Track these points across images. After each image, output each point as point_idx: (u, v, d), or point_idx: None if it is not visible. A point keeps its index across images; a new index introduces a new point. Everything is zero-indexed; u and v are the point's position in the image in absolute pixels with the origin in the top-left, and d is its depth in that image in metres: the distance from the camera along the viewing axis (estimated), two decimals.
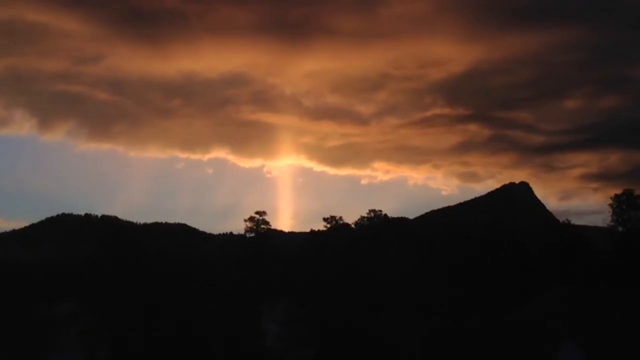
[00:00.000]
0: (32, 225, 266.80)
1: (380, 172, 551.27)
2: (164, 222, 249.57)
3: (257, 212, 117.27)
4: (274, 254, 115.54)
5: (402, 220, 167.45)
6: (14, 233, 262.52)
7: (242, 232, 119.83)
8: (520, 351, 67.34)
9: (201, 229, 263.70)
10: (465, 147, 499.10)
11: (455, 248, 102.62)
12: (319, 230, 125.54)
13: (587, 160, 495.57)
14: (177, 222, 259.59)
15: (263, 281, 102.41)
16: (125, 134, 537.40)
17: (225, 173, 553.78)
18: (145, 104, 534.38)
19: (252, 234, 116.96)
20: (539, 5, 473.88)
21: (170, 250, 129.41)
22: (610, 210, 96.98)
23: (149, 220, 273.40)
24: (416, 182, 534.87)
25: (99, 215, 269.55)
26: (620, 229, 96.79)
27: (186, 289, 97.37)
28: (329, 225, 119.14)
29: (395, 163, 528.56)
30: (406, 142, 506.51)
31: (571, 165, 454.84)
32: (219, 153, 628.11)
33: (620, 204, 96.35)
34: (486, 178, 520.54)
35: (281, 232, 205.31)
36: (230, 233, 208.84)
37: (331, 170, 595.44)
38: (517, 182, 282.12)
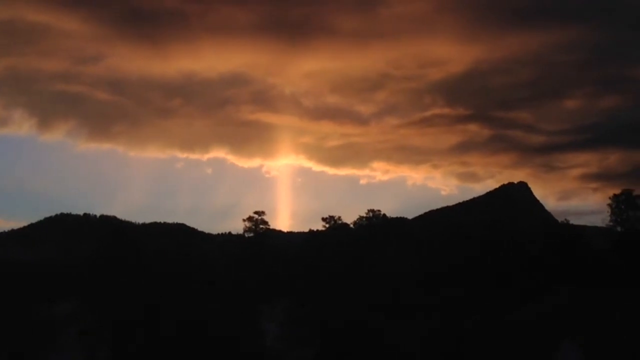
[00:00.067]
0: (31, 225, 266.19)
1: (380, 172, 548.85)
2: (163, 222, 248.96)
3: (256, 212, 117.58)
4: (273, 253, 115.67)
5: (401, 220, 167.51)
6: (13, 233, 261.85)
7: (241, 232, 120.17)
8: (520, 351, 67.41)
9: (200, 228, 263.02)
10: (464, 147, 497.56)
11: (454, 248, 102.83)
12: (318, 230, 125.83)
13: (587, 160, 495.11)
14: (176, 222, 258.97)
15: (262, 281, 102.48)
16: (125, 134, 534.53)
17: (224, 173, 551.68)
18: (145, 104, 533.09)
19: (251, 234, 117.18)
20: (539, 5, 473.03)
21: (169, 250, 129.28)
22: (609, 210, 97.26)
23: (148, 220, 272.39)
24: (415, 182, 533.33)
25: (98, 215, 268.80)
26: (619, 229, 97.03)
27: (186, 288, 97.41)
28: (328, 225, 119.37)
29: (395, 163, 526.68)
30: (406, 142, 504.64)
31: (571, 165, 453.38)
32: (219, 153, 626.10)
33: (619, 204, 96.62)
34: (485, 178, 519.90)
35: (280, 232, 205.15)
36: (229, 233, 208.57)
37: (330, 170, 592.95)
38: (516, 182, 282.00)
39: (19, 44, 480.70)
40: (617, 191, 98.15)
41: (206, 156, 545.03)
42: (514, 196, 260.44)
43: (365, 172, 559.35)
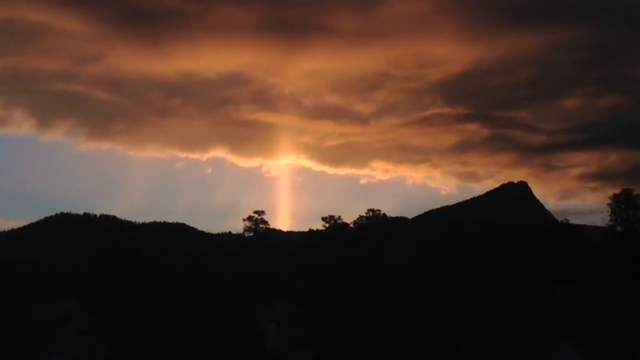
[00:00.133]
0: (31, 225, 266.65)
1: (379, 172, 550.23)
2: (163, 221, 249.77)
3: (255, 212, 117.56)
4: (273, 253, 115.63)
5: (401, 220, 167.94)
6: (12, 232, 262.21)
7: (241, 231, 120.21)
8: (520, 351, 67.41)
9: (200, 228, 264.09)
10: (464, 147, 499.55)
11: (454, 248, 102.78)
12: (317, 230, 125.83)
13: (587, 160, 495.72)
14: (176, 221, 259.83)
15: (262, 281, 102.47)
16: (125, 133, 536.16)
17: (224, 172, 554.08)
18: (145, 104, 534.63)
19: (251, 234, 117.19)
20: (539, 5, 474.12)
21: (169, 249, 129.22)
22: (609, 210, 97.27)
23: (148, 220, 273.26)
24: (415, 181, 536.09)
25: (98, 214, 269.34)
26: (619, 228, 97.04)
27: (185, 288, 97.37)
28: (327, 225, 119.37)
29: (394, 163, 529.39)
30: (405, 141, 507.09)
31: (570, 165, 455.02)
32: (218, 153, 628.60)
33: (619, 203, 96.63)
34: (485, 178, 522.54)
35: (280, 231, 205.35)
36: (229, 232, 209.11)
37: (330, 170, 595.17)
38: (516, 181, 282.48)
39: (19, 43, 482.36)
40: (617, 191, 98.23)
41: (206, 156, 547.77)
42: (514, 196, 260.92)
43: (365, 171, 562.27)
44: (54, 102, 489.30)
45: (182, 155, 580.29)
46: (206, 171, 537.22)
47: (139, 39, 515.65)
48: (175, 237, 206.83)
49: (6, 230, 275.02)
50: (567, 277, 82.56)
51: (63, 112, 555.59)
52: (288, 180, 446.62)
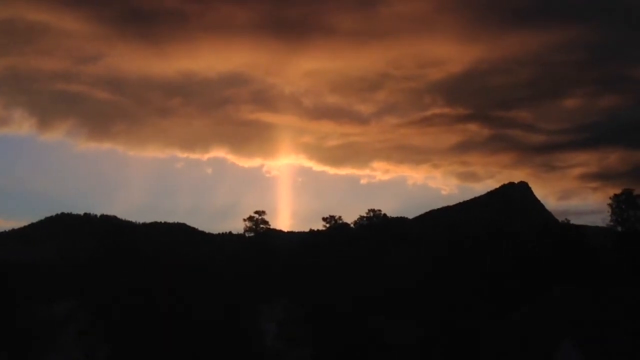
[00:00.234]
0: (32, 225, 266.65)
1: (380, 172, 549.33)
2: (163, 221, 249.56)
3: (256, 212, 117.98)
4: (273, 253, 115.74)
5: (401, 220, 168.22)
6: (13, 232, 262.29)
7: (241, 231, 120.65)
8: (520, 351, 67.36)
9: (200, 228, 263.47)
10: (464, 147, 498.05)
11: (454, 248, 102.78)
12: (318, 230, 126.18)
13: (587, 160, 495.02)
14: (176, 221, 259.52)
15: (262, 281, 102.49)
16: (125, 133, 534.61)
17: (224, 173, 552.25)
18: (145, 104, 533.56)
19: (252, 234, 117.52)
20: (539, 5, 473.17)
21: (169, 249, 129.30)
22: (610, 210, 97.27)
23: (149, 220, 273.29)
24: (415, 181, 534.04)
25: (99, 214, 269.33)
26: (619, 228, 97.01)
27: (185, 288, 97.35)
28: (328, 225, 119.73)
29: (395, 163, 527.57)
30: (405, 141, 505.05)
31: (571, 165, 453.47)
32: (219, 153, 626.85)
33: (619, 203, 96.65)
34: (485, 178, 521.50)
35: (280, 231, 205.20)
36: (230, 233, 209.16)
37: (330, 170, 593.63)
38: (516, 181, 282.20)
39: (18, 43, 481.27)
40: (618, 191, 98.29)
41: (206, 156, 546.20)
42: (514, 196, 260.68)
43: (366, 171, 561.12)
44: (54, 102, 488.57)
45: (182, 155, 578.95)
46: (206, 171, 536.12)
47: (139, 39, 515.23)
48: (175, 237, 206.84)
49: (6, 230, 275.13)
50: (567, 277, 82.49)
51: (63, 112, 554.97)
52: (288, 180, 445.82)
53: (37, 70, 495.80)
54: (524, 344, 68.16)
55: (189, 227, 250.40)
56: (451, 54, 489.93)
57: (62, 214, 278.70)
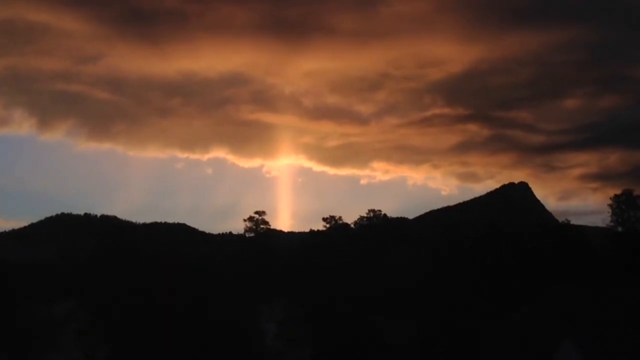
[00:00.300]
0: (32, 225, 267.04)
1: (380, 172, 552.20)
2: (163, 222, 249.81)
3: (256, 212, 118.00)
4: (273, 254, 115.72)
5: (401, 220, 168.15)
6: (13, 233, 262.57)
7: (241, 232, 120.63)
8: (520, 351, 67.45)
9: (200, 228, 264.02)
10: (464, 147, 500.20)
11: (454, 248, 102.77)
12: (318, 230, 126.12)
13: (587, 160, 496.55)
14: (176, 222, 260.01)
15: (262, 281, 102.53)
16: (125, 133, 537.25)
17: (224, 173, 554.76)
18: (145, 104, 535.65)
19: (252, 234, 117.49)
20: (539, 5, 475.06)
21: (169, 250, 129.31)
22: (610, 211, 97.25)
23: (149, 220, 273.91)
24: (415, 182, 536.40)
25: (99, 215, 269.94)
26: (619, 229, 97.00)
27: (185, 288, 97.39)
28: (328, 225, 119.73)
29: (395, 163, 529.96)
30: (405, 142, 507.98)
31: (571, 165, 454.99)
32: (219, 153, 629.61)
33: (619, 204, 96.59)
34: (485, 178, 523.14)
35: (280, 232, 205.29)
36: (230, 233, 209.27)
37: (330, 170, 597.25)
38: (516, 182, 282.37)
39: (19, 43, 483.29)
40: (618, 191, 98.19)
41: (206, 156, 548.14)
42: (514, 196, 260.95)
43: (366, 172, 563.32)
44: (54, 102, 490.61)
45: (182, 155, 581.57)
46: (207, 171, 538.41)
47: (139, 39, 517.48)
48: (175, 237, 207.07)
49: (7, 230, 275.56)
50: (567, 278, 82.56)
51: (63, 112, 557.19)
52: (289, 180, 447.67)
53: (37, 70, 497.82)
54: (524, 344, 68.27)
55: (189, 227, 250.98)
56: (451, 54, 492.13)
57: (62, 214, 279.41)
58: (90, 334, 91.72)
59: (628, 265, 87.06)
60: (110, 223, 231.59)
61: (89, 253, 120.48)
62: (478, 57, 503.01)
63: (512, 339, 71.37)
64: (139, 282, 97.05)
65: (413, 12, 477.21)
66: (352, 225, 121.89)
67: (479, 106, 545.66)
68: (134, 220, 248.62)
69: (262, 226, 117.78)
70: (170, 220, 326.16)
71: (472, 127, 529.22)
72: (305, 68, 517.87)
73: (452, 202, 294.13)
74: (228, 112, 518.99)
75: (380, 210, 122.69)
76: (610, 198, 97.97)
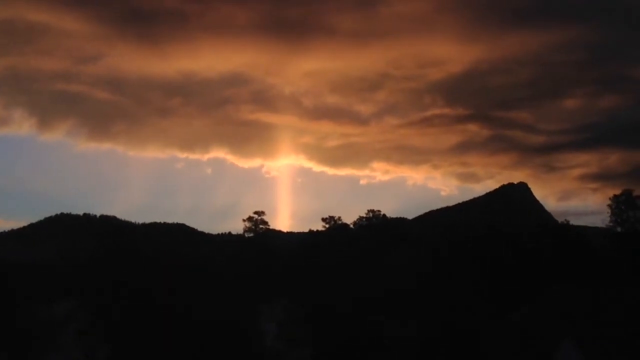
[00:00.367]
0: (31, 225, 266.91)
1: (380, 172, 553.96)
2: (163, 222, 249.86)
3: (256, 212, 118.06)
4: (273, 253, 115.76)
5: (401, 221, 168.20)
6: (12, 233, 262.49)
7: (241, 232, 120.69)
8: (520, 351, 67.50)
9: (200, 228, 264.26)
10: (464, 147, 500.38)
11: (454, 248, 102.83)
12: (317, 231, 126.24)
13: (587, 161, 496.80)
14: (176, 222, 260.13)
15: (262, 281, 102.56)
16: (125, 133, 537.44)
17: (224, 173, 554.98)
18: (145, 104, 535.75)
19: (251, 234, 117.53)
20: (539, 5, 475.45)
21: (169, 250, 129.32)
22: (609, 211, 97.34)
23: (148, 220, 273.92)
24: (415, 182, 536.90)
25: (98, 215, 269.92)
26: (619, 229, 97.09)
27: (185, 289, 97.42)
28: (327, 226, 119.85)
29: (395, 163, 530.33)
30: (405, 142, 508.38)
31: (570, 166, 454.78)
32: (218, 153, 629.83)
33: (619, 204, 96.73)
34: (485, 178, 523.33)
35: (280, 232, 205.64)
36: (229, 233, 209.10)
37: (330, 171, 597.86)
38: (516, 182, 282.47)
39: (19, 43, 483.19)
40: (617, 191, 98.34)
41: (206, 156, 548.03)
42: (514, 197, 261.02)
43: (365, 172, 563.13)
44: (54, 102, 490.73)
45: (182, 155, 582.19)
46: (206, 171, 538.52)
47: (139, 39, 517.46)
48: (175, 237, 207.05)
49: (6, 230, 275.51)
50: (567, 278, 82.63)
51: (63, 112, 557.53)
52: (288, 180, 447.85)
53: (37, 70, 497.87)
54: (524, 344, 68.32)
55: (188, 227, 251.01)
56: (451, 54, 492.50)
57: (62, 214, 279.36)
58: (90, 334, 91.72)
59: (628, 266, 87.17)
60: (110, 223, 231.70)
61: (89, 253, 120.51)
62: (478, 57, 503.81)
63: (512, 339, 71.42)
64: (138, 282, 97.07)
65: (413, 12, 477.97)
66: (352, 226, 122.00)
67: (478, 106, 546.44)
68: (133, 221, 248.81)
69: (261, 226, 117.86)
70: (170, 220, 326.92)
71: (472, 127, 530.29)
72: (305, 68, 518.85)
73: (451, 203, 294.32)
74: (228, 112, 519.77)
75: (379, 211, 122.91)
76: (610, 198, 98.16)
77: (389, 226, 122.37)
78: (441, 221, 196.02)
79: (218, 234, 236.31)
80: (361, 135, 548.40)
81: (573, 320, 65.93)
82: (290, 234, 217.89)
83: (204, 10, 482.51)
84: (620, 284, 77.72)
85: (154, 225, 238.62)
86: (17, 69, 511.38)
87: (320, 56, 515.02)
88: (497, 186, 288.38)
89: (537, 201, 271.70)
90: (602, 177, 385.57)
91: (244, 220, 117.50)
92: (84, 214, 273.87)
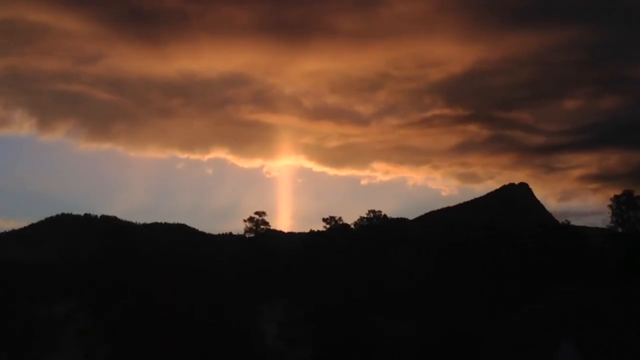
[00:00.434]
0: (32, 225, 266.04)
1: (380, 173, 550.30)
2: (163, 222, 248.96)
3: (256, 213, 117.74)
4: (273, 254, 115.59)
5: (401, 221, 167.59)
6: (13, 233, 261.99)
7: (241, 232, 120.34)
8: (520, 351, 67.46)
9: (201, 229, 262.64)
10: (464, 148, 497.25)
11: (454, 249, 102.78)
12: (318, 231, 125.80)
13: (587, 161, 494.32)
14: (176, 222, 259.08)
15: (263, 281, 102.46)
16: (125, 133, 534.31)
17: (224, 173, 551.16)
18: (145, 104, 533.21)
19: (252, 235, 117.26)
20: (539, 5, 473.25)
21: (170, 250, 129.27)
22: (610, 211, 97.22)
23: (149, 221, 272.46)
24: (416, 182, 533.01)
25: (99, 215, 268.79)
26: (619, 229, 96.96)
27: (186, 289, 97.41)
28: (328, 226, 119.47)
29: (395, 163, 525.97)
30: (406, 142, 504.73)
31: (571, 166, 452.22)
32: (219, 153, 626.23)
33: (619, 204, 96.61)
34: (486, 179, 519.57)
35: (281, 232, 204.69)
36: (230, 233, 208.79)
37: (331, 171, 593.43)
38: (516, 182, 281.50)
39: (19, 43, 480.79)
40: (618, 192, 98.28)
41: (207, 156, 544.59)
42: (515, 197, 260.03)
43: (366, 172, 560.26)
44: (54, 102, 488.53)
45: (182, 155, 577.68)
46: (207, 172, 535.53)
47: (139, 39, 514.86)
48: (176, 237, 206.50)
49: (7, 230, 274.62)
50: (568, 278, 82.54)
51: (63, 112, 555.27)
52: (289, 181, 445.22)
53: (37, 70, 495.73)
54: (524, 344, 68.27)
55: (189, 227, 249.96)
56: (451, 54, 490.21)
57: (63, 214, 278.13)
58: (90, 334, 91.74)
59: (628, 266, 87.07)
60: (110, 223, 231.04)
61: (90, 253, 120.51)
62: (478, 57, 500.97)
63: (512, 339, 71.35)
64: (139, 283, 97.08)
65: (413, 13, 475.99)
66: (352, 226, 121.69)
67: (479, 107, 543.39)
68: (134, 221, 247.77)
69: (262, 227, 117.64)
70: (171, 220, 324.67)
71: (472, 128, 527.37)
72: (306, 68, 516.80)
73: (452, 203, 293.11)
74: (228, 113, 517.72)
75: (380, 211, 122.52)
76: (611, 199, 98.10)
77: (390, 226, 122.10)
78: (442, 221, 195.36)
79: (219, 235, 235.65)
80: (361, 136, 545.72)
81: (573, 320, 65.88)
82: (291, 235, 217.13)
83: (204, 11, 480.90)
84: (620, 285, 77.66)
85: (155, 226, 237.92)
86: (17, 69, 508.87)
87: (321, 56, 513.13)
88: (497, 186, 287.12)
89: (538, 201, 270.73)
90: (603, 178, 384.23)
91: (244, 221, 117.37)
92: (85, 215, 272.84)
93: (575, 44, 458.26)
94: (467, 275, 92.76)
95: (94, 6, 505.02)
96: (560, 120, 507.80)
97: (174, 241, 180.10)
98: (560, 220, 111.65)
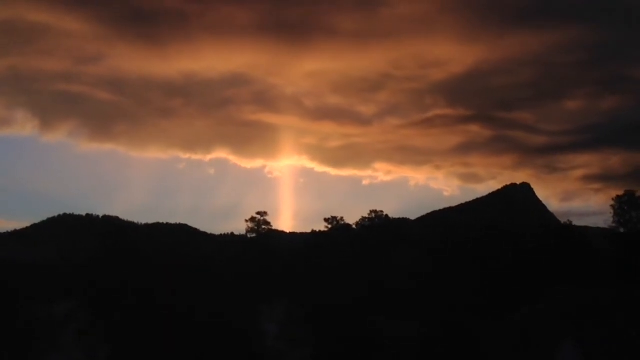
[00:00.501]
0: (33, 226, 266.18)
1: (382, 173, 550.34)
2: (165, 222, 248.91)
3: (258, 213, 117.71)
4: (275, 254, 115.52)
5: (403, 221, 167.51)
6: (14, 233, 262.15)
7: (243, 232, 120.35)
8: (520, 351, 67.31)
9: (202, 229, 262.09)
10: (466, 148, 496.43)
11: (456, 249, 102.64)
12: (320, 231, 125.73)
13: (589, 161, 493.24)
14: (178, 222, 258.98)
15: (264, 281, 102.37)
16: (126, 134, 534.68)
17: (226, 173, 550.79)
18: (146, 104, 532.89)
19: (253, 235, 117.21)
20: (540, 6, 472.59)
21: (171, 250, 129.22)
22: (612, 212, 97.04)
23: (150, 221, 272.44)
24: (417, 182, 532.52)
25: (101, 215, 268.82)
26: (621, 230, 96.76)
27: (187, 289, 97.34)
28: (330, 226, 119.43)
29: (397, 164, 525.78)
30: (407, 142, 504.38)
31: (573, 166, 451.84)
32: (220, 153, 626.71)
33: (621, 205, 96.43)
34: (487, 179, 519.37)
35: (282, 232, 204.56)
36: (232, 233, 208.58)
37: (332, 171, 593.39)
38: (518, 183, 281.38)
39: (19, 44, 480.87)
40: (620, 192, 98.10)
41: (208, 157, 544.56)
42: (516, 197, 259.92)
43: (368, 172, 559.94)
44: (55, 103, 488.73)
45: (184, 156, 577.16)
46: (208, 172, 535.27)
47: (139, 39, 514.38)
48: (177, 237, 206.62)
49: (8, 230, 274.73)
50: (568, 278, 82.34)
51: (64, 112, 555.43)
52: (290, 181, 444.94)
53: (38, 70, 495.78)
54: (525, 344, 68.09)
55: (190, 227, 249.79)
56: (452, 54, 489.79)
57: (64, 214, 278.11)
58: (90, 334, 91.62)
59: (630, 266, 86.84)
60: (112, 223, 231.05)
61: (91, 253, 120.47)
62: (479, 57, 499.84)
63: (513, 339, 71.18)
64: (140, 283, 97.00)
65: (414, 13, 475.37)
66: (354, 226, 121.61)
67: (480, 107, 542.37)
68: (135, 221, 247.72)
69: (263, 227, 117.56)
70: (172, 220, 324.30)
71: (474, 128, 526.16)
72: (307, 69, 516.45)
73: (454, 203, 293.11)
74: (229, 113, 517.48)
75: (382, 211, 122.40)
76: (613, 199, 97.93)
77: (391, 226, 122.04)
78: (443, 221, 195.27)
79: (220, 235, 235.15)
80: (363, 136, 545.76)
81: (574, 320, 65.70)
82: (292, 235, 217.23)
83: (205, 11, 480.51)
84: (622, 285, 77.42)
85: (156, 226, 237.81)
86: (18, 69, 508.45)
87: (322, 57, 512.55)
88: (499, 187, 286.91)
89: (539, 202, 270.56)
90: (605, 178, 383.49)
91: (246, 221, 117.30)
92: (86, 215, 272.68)
93: (576, 44, 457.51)
94: (468, 275, 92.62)
95: (94, 6, 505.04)
96: (561, 120, 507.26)
97: (176, 241, 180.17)
98: (562, 220, 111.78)
